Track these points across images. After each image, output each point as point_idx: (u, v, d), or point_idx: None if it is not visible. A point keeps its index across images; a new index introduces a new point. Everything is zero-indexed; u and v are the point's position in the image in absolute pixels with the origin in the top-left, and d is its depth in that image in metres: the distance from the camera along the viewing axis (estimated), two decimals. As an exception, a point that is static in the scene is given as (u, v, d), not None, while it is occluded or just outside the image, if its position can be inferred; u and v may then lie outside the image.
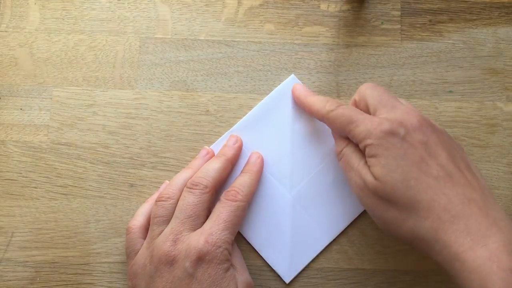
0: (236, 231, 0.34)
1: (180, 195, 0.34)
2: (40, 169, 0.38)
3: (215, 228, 0.32)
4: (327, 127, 0.35)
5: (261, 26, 0.40)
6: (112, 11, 0.40)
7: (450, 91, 0.40)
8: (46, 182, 0.38)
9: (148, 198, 0.37)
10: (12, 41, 0.40)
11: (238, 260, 0.34)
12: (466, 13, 0.41)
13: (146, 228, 0.35)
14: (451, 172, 0.29)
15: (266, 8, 0.41)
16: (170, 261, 0.31)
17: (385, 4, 0.41)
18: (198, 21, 0.40)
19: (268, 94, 0.39)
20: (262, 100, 0.39)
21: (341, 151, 0.33)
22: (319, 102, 0.35)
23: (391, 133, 0.30)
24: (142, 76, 0.39)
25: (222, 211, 0.33)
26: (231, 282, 0.31)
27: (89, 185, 0.38)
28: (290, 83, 0.39)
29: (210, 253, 0.31)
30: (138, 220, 0.35)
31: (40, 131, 0.38)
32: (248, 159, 0.37)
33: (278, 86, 0.39)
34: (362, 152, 0.32)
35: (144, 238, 0.34)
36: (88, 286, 0.36)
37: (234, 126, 0.38)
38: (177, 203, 0.34)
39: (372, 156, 0.30)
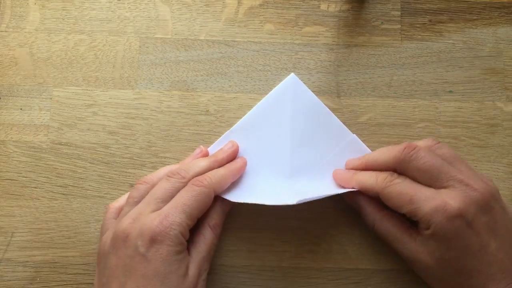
0: (196, 216, 0.33)
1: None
2: (40, 169, 0.38)
3: (173, 210, 0.31)
4: (327, 126, 0.36)
5: (261, 26, 0.40)
6: (112, 11, 0.40)
7: (450, 91, 0.40)
8: (46, 182, 0.38)
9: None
10: (12, 41, 0.40)
11: (199, 254, 0.33)
12: (466, 13, 0.41)
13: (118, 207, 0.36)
14: (503, 260, 0.30)
15: (266, 8, 0.41)
16: (124, 238, 0.31)
17: (385, 4, 0.41)
18: (198, 21, 0.40)
19: (268, 93, 0.39)
20: (262, 99, 0.39)
21: (374, 220, 0.34)
22: (368, 178, 0.34)
23: (456, 218, 0.30)
24: (142, 76, 0.39)
25: (184, 195, 0.32)
26: (182, 265, 0.31)
27: (89, 185, 0.38)
28: (290, 82, 0.39)
29: (162, 234, 0.30)
30: (118, 201, 0.36)
31: (40, 131, 0.38)
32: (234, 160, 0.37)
33: (278, 85, 0.39)
34: (399, 219, 0.33)
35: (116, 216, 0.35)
36: (88, 286, 0.36)
37: (234, 126, 0.38)
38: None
39: (431, 237, 0.31)
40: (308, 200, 0.33)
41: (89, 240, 0.37)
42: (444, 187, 0.32)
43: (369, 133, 0.39)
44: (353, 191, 0.35)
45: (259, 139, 0.38)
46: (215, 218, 0.34)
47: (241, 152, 0.38)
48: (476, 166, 0.39)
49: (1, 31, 0.40)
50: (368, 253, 0.37)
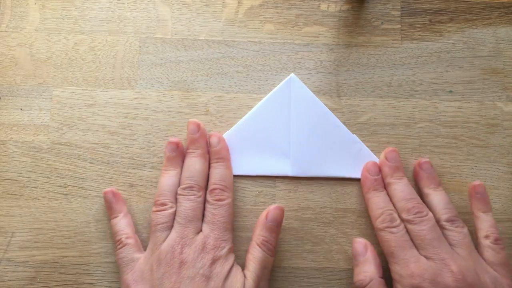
0: (232, 222, 0.36)
1: (175, 200, 0.36)
2: (40, 169, 0.38)
3: (216, 231, 0.34)
4: (328, 126, 0.36)
5: (261, 26, 0.40)
6: (112, 11, 0.40)
7: (450, 91, 0.40)
8: (46, 182, 0.38)
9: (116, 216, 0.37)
10: (12, 41, 0.40)
11: (252, 273, 0.34)
12: (466, 13, 0.41)
13: (136, 238, 0.36)
14: None
15: (266, 8, 0.41)
16: (180, 264, 0.33)
17: (385, 4, 0.41)
18: (198, 21, 0.40)
19: (268, 94, 0.39)
20: (262, 100, 0.39)
21: (369, 283, 0.34)
22: (376, 208, 0.36)
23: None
24: (142, 76, 0.39)
25: (216, 213, 0.35)
26: (239, 274, 0.33)
27: (89, 185, 0.38)
28: (290, 83, 0.39)
29: (216, 254, 0.33)
30: (125, 232, 0.36)
31: (40, 131, 0.38)
32: (211, 144, 0.37)
33: (278, 86, 0.39)
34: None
35: (137, 248, 0.35)
36: (88, 286, 0.36)
37: (234, 126, 0.38)
38: (175, 208, 0.35)
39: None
40: (307, 175, 0.36)
41: (89, 240, 0.37)
42: (427, 258, 0.33)
43: (369, 133, 0.39)
44: (368, 242, 0.36)
45: (259, 139, 0.38)
46: (262, 235, 0.35)
47: (241, 152, 0.38)
48: (476, 166, 0.39)
49: (1, 31, 0.40)
50: (368, 253, 0.37)
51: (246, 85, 0.39)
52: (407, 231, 0.34)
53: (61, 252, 0.37)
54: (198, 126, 0.37)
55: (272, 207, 0.35)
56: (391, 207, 0.35)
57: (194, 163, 0.36)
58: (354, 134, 0.38)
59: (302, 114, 0.38)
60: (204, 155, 0.37)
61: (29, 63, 0.39)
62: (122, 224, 0.36)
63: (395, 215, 0.35)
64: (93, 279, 0.36)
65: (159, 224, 0.35)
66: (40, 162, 0.38)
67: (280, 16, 0.41)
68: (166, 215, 0.35)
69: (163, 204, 0.35)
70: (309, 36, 0.40)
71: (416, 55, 0.40)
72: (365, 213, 0.38)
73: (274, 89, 0.39)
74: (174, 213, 0.35)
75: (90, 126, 0.39)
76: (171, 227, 0.35)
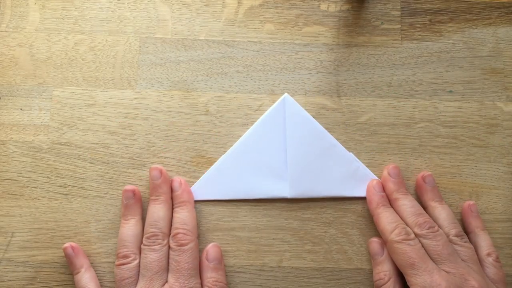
0: (198, 267, 0.35)
1: (138, 251, 0.35)
2: (40, 169, 0.38)
3: (181, 279, 0.33)
4: (323, 144, 0.37)
5: (261, 26, 0.40)
6: (112, 11, 0.40)
7: (450, 91, 0.40)
8: (46, 182, 0.38)
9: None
10: (12, 41, 0.40)
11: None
12: (466, 13, 0.41)
13: None
14: None
15: (266, 8, 0.41)
16: None
17: (385, 4, 0.41)
18: (198, 21, 0.40)
19: (267, 94, 0.39)
20: (256, 122, 0.38)
21: (388, 281, 0.34)
22: (388, 222, 0.35)
23: None
24: (142, 76, 0.39)
25: (180, 260, 0.34)
26: None
27: (89, 185, 0.38)
28: (284, 103, 0.38)
29: None
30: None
31: (40, 131, 0.38)
32: (173, 189, 0.37)
33: (272, 107, 0.38)
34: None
35: None
36: (88, 286, 0.36)
37: (229, 150, 0.38)
38: (138, 260, 0.35)
39: None
40: (305, 196, 0.34)
41: (89, 240, 0.37)
42: (446, 271, 0.33)
43: (369, 133, 0.39)
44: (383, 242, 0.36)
45: (255, 161, 0.37)
46: (211, 277, 0.35)
47: (238, 176, 0.37)
48: (476, 166, 0.39)
49: (1, 31, 0.40)
50: (368, 253, 0.37)
51: (246, 85, 0.39)
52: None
53: (61, 252, 0.37)
54: (160, 172, 0.37)
55: (208, 247, 0.36)
56: (402, 221, 0.35)
57: (157, 210, 0.36)
58: (351, 153, 0.38)
59: (297, 134, 0.38)
60: (167, 201, 0.36)
61: (29, 63, 0.39)
62: (85, 279, 0.35)
63: (409, 229, 0.35)
64: (93, 279, 0.36)
65: (123, 280, 0.34)
66: (40, 162, 0.38)
67: (280, 16, 0.41)
68: (130, 268, 0.34)
69: (125, 257, 0.34)
70: (309, 36, 0.40)
71: (416, 55, 0.40)
72: (365, 213, 0.38)
73: (268, 110, 0.38)
74: (138, 265, 0.34)
75: (90, 126, 0.39)
76: (136, 281, 0.34)
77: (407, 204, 0.36)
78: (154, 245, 0.34)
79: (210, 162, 0.38)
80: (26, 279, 0.36)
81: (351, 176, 0.38)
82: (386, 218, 0.35)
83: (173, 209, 0.36)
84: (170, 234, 0.35)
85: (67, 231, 0.37)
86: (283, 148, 0.37)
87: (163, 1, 0.41)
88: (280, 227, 0.37)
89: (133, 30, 0.40)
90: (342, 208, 0.38)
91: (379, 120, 0.39)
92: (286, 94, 0.39)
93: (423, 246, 0.34)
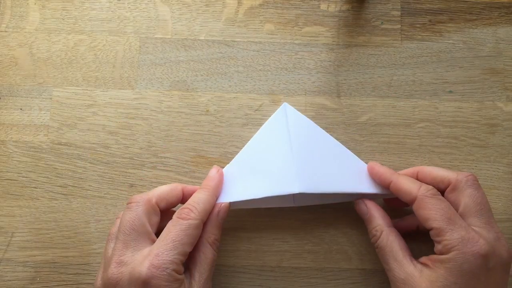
0: (189, 250, 0.31)
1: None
2: (40, 169, 0.38)
3: (162, 248, 0.30)
4: (330, 145, 0.36)
5: (261, 26, 0.40)
6: (112, 11, 0.40)
7: (450, 91, 0.40)
8: (46, 182, 0.38)
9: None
10: (12, 41, 0.40)
11: (202, 275, 0.32)
12: (466, 13, 0.41)
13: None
14: None
15: (266, 8, 0.41)
16: (114, 285, 0.30)
17: (385, 4, 0.41)
18: (198, 21, 0.40)
19: (267, 94, 0.39)
20: (257, 132, 0.37)
21: (382, 232, 0.33)
22: (410, 182, 0.33)
23: (482, 257, 0.30)
24: (142, 76, 0.39)
25: (172, 230, 0.31)
26: None
27: (89, 185, 0.38)
28: (283, 111, 0.37)
29: (155, 277, 0.29)
30: (116, 226, 0.34)
31: (40, 131, 0.38)
32: (208, 174, 0.35)
33: (271, 116, 0.38)
34: (404, 242, 0.33)
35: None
36: (88, 286, 0.36)
37: (233, 159, 0.36)
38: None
39: (444, 262, 0.30)
40: (313, 192, 0.34)
41: (89, 240, 0.37)
42: (482, 228, 0.31)
43: (369, 133, 0.39)
44: (367, 200, 0.35)
45: (261, 165, 0.36)
46: (214, 234, 0.33)
47: (245, 179, 0.36)
48: (476, 166, 0.39)
49: (1, 31, 0.40)
50: (368, 253, 0.37)
51: (246, 85, 0.39)
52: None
53: (61, 252, 0.37)
54: (218, 170, 0.36)
55: (224, 204, 0.34)
56: None
57: (162, 186, 0.35)
58: (357, 157, 0.37)
59: (302, 136, 0.36)
60: (214, 193, 0.35)
61: (29, 63, 0.39)
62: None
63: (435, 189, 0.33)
64: (93, 279, 0.36)
65: (112, 234, 0.33)
66: (40, 162, 0.38)
67: (280, 16, 0.41)
68: (116, 224, 0.34)
69: (119, 217, 0.34)
70: (309, 36, 0.40)
71: (416, 55, 0.40)
72: (365, 213, 0.38)
73: (269, 119, 0.37)
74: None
75: (90, 126, 0.39)
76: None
77: (429, 168, 0.35)
78: (130, 204, 0.32)
79: (210, 162, 0.38)
80: (26, 279, 0.36)
81: (359, 174, 0.37)
82: (407, 179, 0.34)
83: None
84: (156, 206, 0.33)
85: (67, 231, 0.37)
86: (289, 149, 0.35)
87: (163, 1, 0.41)
88: (280, 227, 0.37)
89: (133, 30, 0.40)
90: (342, 208, 0.38)
91: (379, 120, 0.39)
92: (285, 102, 0.38)
93: (455, 203, 0.33)
